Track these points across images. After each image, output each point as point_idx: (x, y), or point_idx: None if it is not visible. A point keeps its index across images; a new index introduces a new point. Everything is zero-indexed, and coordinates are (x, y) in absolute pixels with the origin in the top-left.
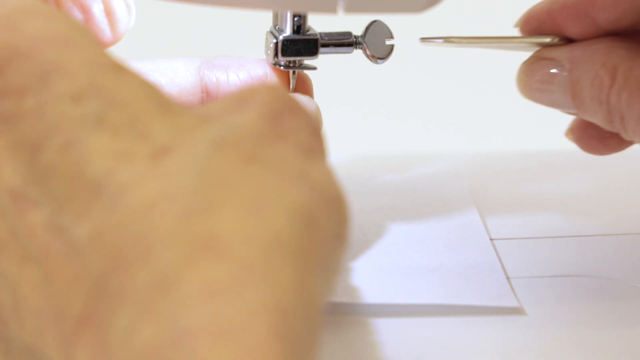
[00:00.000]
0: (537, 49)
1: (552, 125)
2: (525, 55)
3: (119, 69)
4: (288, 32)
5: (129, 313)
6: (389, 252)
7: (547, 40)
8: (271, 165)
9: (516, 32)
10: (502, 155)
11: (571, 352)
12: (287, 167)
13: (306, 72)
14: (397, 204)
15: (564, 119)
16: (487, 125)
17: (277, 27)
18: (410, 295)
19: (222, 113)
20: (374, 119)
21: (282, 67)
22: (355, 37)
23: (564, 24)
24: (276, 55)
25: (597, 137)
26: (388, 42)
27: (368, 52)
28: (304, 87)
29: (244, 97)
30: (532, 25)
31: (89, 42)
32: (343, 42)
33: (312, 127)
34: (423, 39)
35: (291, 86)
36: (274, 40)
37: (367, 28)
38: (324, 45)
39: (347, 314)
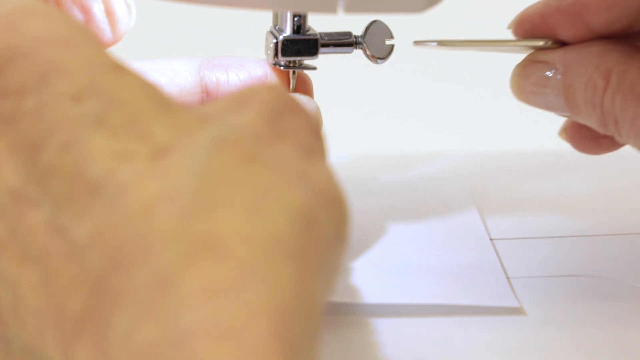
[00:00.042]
0: (530, 51)
1: (552, 125)
2: (521, 56)
3: (119, 69)
4: (288, 32)
5: (129, 313)
6: (389, 252)
7: (541, 43)
8: (271, 165)
9: (510, 35)
10: (502, 155)
11: (571, 352)
12: (287, 167)
13: (306, 72)
14: (397, 204)
15: (563, 119)
16: (487, 125)
17: (277, 27)
18: (410, 295)
19: (222, 113)
20: (374, 119)
21: (282, 67)
22: (355, 37)
23: (557, 27)
24: (276, 55)
25: (590, 137)
26: (388, 42)
27: (368, 52)
28: (304, 87)
29: (244, 97)
30: (525, 28)
31: (89, 42)
32: (343, 42)
33: (312, 127)
34: (417, 42)
35: (291, 86)
36: (274, 40)
37: (367, 28)
38: (324, 45)
39: (347, 314)
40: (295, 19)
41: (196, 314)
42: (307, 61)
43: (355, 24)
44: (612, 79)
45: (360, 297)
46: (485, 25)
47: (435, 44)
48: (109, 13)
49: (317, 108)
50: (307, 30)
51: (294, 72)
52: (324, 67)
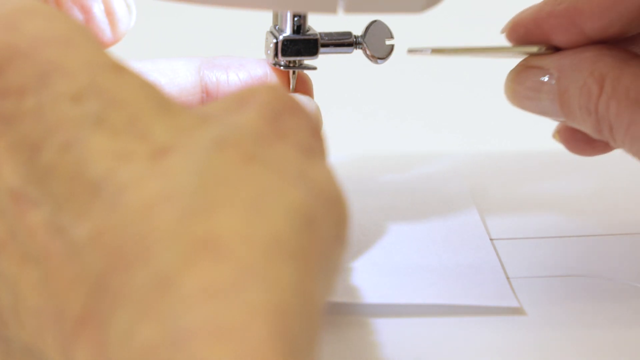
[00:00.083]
0: (524, 57)
1: (552, 125)
2: (517, 60)
3: (119, 69)
4: (288, 32)
5: (129, 313)
6: (389, 252)
7: (535, 49)
8: (271, 165)
9: (504, 40)
10: (502, 155)
11: (571, 352)
12: (287, 167)
13: (306, 72)
14: (397, 204)
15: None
16: (487, 125)
17: (277, 27)
18: (410, 295)
19: (222, 113)
20: (374, 119)
21: (282, 67)
22: (355, 37)
23: (551, 33)
24: (276, 55)
25: (584, 139)
26: (388, 42)
27: (368, 52)
28: (304, 87)
29: (244, 97)
30: (519, 33)
31: (89, 42)
32: (343, 42)
33: (312, 127)
34: (410, 51)
35: (291, 86)
36: (274, 40)
37: (367, 28)
38: (324, 45)
39: (347, 314)
40: (295, 19)
41: (196, 314)
42: (307, 61)
43: (355, 24)
44: (606, 84)
45: (360, 297)
46: (485, 25)
47: (429, 51)
48: (109, 13)
49: (317, 108)
50: (307, 30)
51: (294, 72)
52: (324, 67)
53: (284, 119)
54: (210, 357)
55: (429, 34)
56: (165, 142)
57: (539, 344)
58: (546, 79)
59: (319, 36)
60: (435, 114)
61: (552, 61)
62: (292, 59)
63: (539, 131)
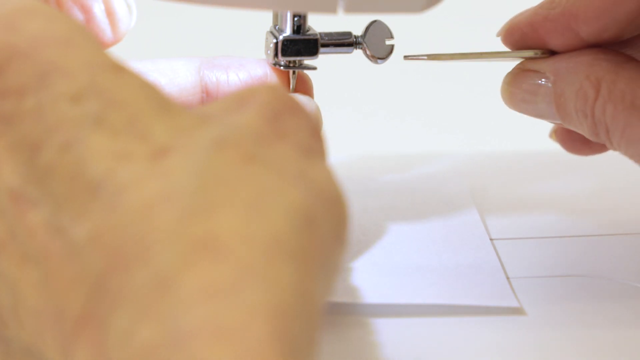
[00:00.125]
0: (520, 60)
1: (551, 126)
2: (514, 63)
3: (119, 69)
4: (288, 32)
5: (128, 313)
6: (389, 252)
7: (531, 54)
8: (271, 165)
9: (500, 44)
10: (502, 155)
11: (571, 352)
12: (287, 167)
13: (306, 72)
14: (397, 204)
15: None
16: (487, 125)
17: (277, 27)
18: (410, 295)
19: (222, 113)
20: (374, 119)
21: (282, 67)
22: (355, 37)
23: (547, 36)
24: (276, 55)
25: (580, 139)
26: (388, 42)
27: (368, 52)
28: (304, 87)
29: (243, 97)
30: (514, 37)
31: (89, 42)
32: (343, 42)
33: (312, 127)
34: (407, 57)
35: (291, 86)
36: (274, 40)
37: (367, 28)
38: (324, 45)
39: (347, 314)
40: (295, 19)
41: (196, 314)
42: (307, 61)
43: (355, 24)
44: (602, 88)
45: (360, 297)
46: (485, 26)
47: (425, 57)
48: (110, 13)
49: (317, 108)
50: (307, 30)
51: (294, 72)
52: (324, 67)
53: (284, 119)
54: (210, 357)
55: (428, 34)
56: (165, 142)
57: (539, 344)
58: (542, 82)
59: (319, 36)
60: (435, 114)
61: (548, 64)
62: (292, 59)
63: (539, 131)
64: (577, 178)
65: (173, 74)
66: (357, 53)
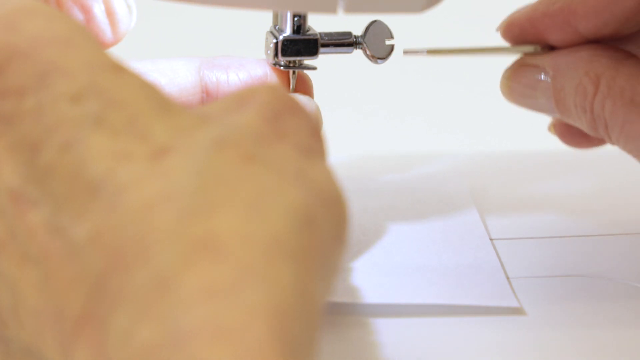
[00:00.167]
0: (520, 55)
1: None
2: (514, 58)
3: (119, 69)
4: (288, 32)
5: (128, 313)
6: (389, 252)
7: (530, 49)
8: (271, 166)
9: (502, 40)
10: (502, 155)
11: (571, 352)
12: (287, 167)
13: (306, 72)
14: (397, 204)
15: None
16: (487, 125)
17: (277, 27)
18: (410, 295)
19: (222, 113)
20: (374, 119)
21: (282, 67)
22: (355, 37)
23: (546, 32)
24: (276, 55)
25: (579, 133)
26: (388, 42)
27: (368, 52)
28: (304, 87)
29: (243, 97)
30: (514, 32)
31: (89, 42)
32: (343, 42)
33: (311, 127)
34: (406, 52)
35: (291, 86)
36: (274, 40)
37: (367, 28)
38: (324, 45)
39: (347, 314)
40: (295, 19)
41: (195, 314)
42: (307, 61)
43: (355, 24)
44: (601, 84)
45: (360, 297)
46: (485, 25)
47: (424, 52)
48: (110, 13)
49: (317, 108)
50: (307, 30)
51: (294, 72)
52: (324, 67)
53: (284, 119)
54: (210, 358)
55: (429, 34)
56: (165, 142)
57: (539, 344)
58: (542, 77)
59: (319, 36)
60: (435, 114)
61: (547, 60)
62: (292, 59)
63: (539, 131)
64: (577, 178)
65: (173, 74)
66: (357, 53)
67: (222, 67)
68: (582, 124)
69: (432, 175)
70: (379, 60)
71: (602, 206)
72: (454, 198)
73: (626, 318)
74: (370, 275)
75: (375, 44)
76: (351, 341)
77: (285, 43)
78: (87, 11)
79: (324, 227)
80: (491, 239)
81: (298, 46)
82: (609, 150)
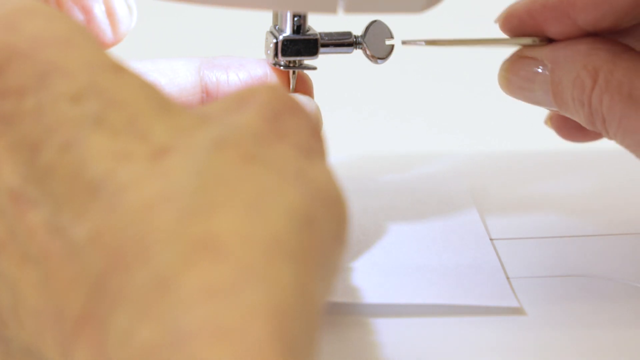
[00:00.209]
0: (518, 47)
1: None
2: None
3: (119, 70)
4: (288, 32)
5: (128, 313)
6: (389, 252)
7: (529, 41)
8: (271, 166)
9: (498, 32)
10: (502, 155)
11: (571, 352)
12: (287, 168)
13: (306, 72)
14: (397, 204)
15: None
16: (487, 125)
17: (277, 27)
18: (410, 295)
19: (222, 113)
20: (374, 119)
21: (282, 67)
22: (355, 37)
23: (544, 24)
24: (276, 55)
25: (576, 127)
26: (388, 42)
27: (368, 52)
28: (304, 87)
29: (243, 97)
30: (512, 24)
31: (89, 42)
32: (343, 42)
33: (311, 127)
34: (405, 42)
35: (291, 86)
36: (274, 40)
37: (367, 28)
38: (324, 45)
39: (347, 314)
40: (295, 19)
41: (195, 314)
42: (307, 61)
43: (355, 24)
44: (599, 78)
45: (360, 297)
46: (486, 25)
47: (423, 43)
48: (110, 14)
49: (317, 108)
50: (307, 30)
51: (294, 72)
52: (324, 67)
53: (284, 119)
54: (209, 358)
55: (429, 34)
56: (165, 142)
57: (539, 344)
58: (540, 69)
59: (319, 36)
60: (435, 114)
61: (545, 52)
62: (292, 59)
63: (539, 131)
64: (577, 178)
65: (173, 74)
66: (357, 53)
67: (222, 67)
68: (580, 118)
69: (432, 175)
70: (379, 60)
71: (602, 206)
72: (454, 198)
73: (626, 318)
74: (370, 275)
75: (375, 44)
76: (351, 341)
77: (285, 43)
78: (87, 11)
79: (324, 227)
80: (491, 239)
81: (298, 46)
82: (609, 150)
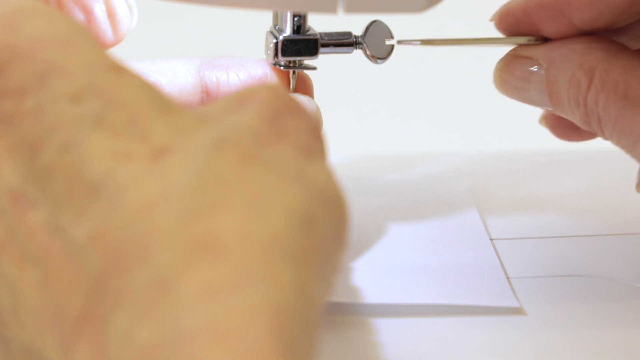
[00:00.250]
0: (514, 46)
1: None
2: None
3: (119, 70)
4: (288, 32)
5: (128, 313)
6: (389, 252)
7: (524, 40)
8: (270, 166)
9: (498, 32)
10: (502, 155)
11: (571, 352)
12: (287, 168)
13: (306, 72)
14: (397, 203)
15: None
16: (487, 125)
17: (277, 27)
18: (410, 295)
19: (222, 113)
20: (374, 119)
21: (282, 67)
22: (355, 37)
23: (540, 23)
24: (276, 55)
25: (570, 126)
26: (388, 42)
27: (368, 52)
28: (304, 87)
29: (243, 97)
30: (508, 22)
31: (89, 42)
32: (343, 42)
33: (312, 127)
34: (400, 42)
35: (291, 86)
36: (274, 40)
37: (367, 28)
38: (324, 45)
39: (347, 314)
40: (295, 19)
41: (195, 314)
42: (307, 61)
43: (355, 24)
44: (595, 78)
45: (360, 297)
46: (486, 25)
47: (419, 43)
48: (111, 14)
49: (317, 108)
50: (307, 30)
51: (294, 72)
52: (324, 67)
53: (284, 119)
54: (209, 358)
55: (429, 34)
56: (165, 143)
57: (539, 344)
58: (535, 69)
59: (319, 36)
60: (435, 114)
61: (541, 52)
62: (292, 59)
63: (539, 131)
64: (577, 178)
65: (173, 74)
66: (357, 53)
67: (222, 67)
68: (576, 118)
69: (432, 175)
70: (379, 60)
71: (602, 206)
72: (454, 198)
73: (626, 318)
74: (370, 275)
75: (375, 44)
76: (351, 341)
77: (285, 43)
78: (88, 11)
79: (324, 227)
80: (491, 239)
81: (298, 46)
82: (609, 150)
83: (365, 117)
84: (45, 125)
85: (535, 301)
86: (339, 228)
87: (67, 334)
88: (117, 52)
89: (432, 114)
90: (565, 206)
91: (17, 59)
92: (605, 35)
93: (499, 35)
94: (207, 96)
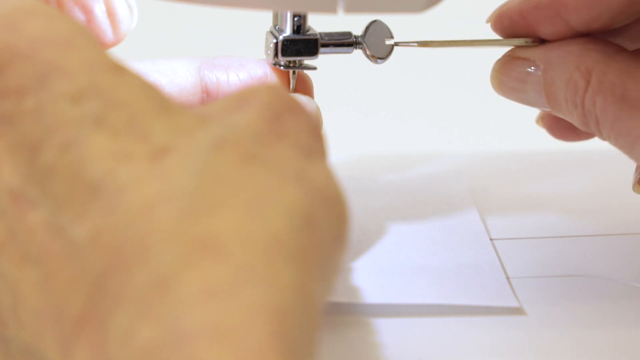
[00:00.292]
0: (511, 47)
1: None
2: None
3: (119, 70)
4: (288, 32)
5: (128, 313)
6: (389, 252)
7: (521, 42)
8: (271, 166)
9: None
10: (502, 155)
11: (571, 352)
12: (287, 168)
13: (306, 72)
14: (397, 204)
15: None
16: (487, 125)
17: (277, 27)
18: (410, 295)
19: (222, 113)
20: (374, 119)
21: (282, 67)
22: (355, 37)
23: (536, 24)
24: (276, 55)
25: (567, 126)
26: (388, 42)
27: (368, 52)
28: (304, 87)
29: (243, 97)
30: (504, 24)
31: (89, 42)
32: (343, 42)
33: (312, 127)
34: (397, 44)
35: (291, 86)
36: (274, 40)
37: (367, 28)
38: (324, 45)
39: (347, 314)
40: (295, 19)
41: (195, 314)
42: (307, 61)
43: (355, 24)
44: (592, 79)
45: (360, 297)
46: (486, 26)
47: (415, 44)
48: (111, 14)
49: (317, 108)
50: (307, 30)
51: (294, 72)
52: (324, 67)
53: (284, 119)
54: (210, 358)
55: (428, 34)
56: (165, 143)
57: (539, 344)
58: (532, 70)
59: (319, 36)
60: (435, 114)
61: (538, 53)
62: (292, 59)
63: (538, 131)
64: (577, 178)
65: (173, 74)
66: (357, 53)
67: (222, 67)
68: (573, 119)
69: (432, 175)
70: (379, 60)
71: (602, 206)
72: (454, 198)
73: (626, 318)
74: (370, 275)
75: (375, 44)
76: (351, 341)
77: (285, 43)
78: (88, 11)
79: (324, 227)
80: (491, 239)
81: (298, 46)
82: (609, 150)
83: (365, 117)
84: (46, 125)
85: (535, 301)
86: (339, 228)
87: (67, 334)
88: (117, 52)
89: (432, 114)
90: (565, 206)
91: (17, 59)
92: (601, 36)
93: (496, 36)
94: (207, 96)
